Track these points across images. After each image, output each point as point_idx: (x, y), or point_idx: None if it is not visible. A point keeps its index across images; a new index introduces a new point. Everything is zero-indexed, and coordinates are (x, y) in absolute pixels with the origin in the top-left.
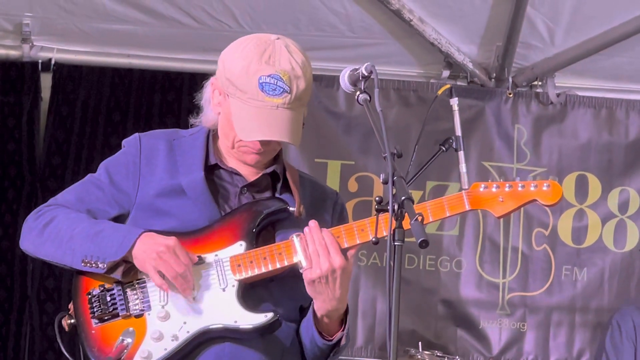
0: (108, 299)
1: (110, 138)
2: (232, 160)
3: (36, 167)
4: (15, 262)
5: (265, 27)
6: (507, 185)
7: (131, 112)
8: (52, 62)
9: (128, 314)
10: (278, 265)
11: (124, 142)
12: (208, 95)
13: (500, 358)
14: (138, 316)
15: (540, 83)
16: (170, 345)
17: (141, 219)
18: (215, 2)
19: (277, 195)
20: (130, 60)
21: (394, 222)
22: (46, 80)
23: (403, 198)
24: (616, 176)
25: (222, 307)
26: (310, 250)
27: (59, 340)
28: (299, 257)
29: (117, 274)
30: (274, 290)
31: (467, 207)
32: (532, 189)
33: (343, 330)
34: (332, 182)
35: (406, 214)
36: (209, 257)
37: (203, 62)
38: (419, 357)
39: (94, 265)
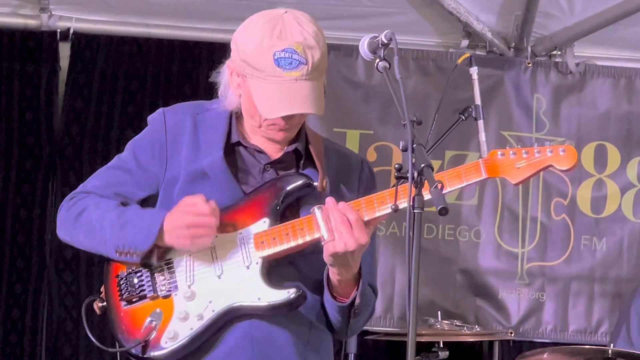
0: (135, 281)
1: (128, 107)
2: (255, 138)
3: (54, 136)
4: (33, 231)
5: None
6: (523, 151)
7: (149, 81)
8: (71, 31)
9: (155, 295)
10: (300, 241)
11: (149, 118)
12: (226, 79)
13: (519, 328)
14: (165, 297)
15: (559, 52)
16: (196, 325)
17: (168, 200)
18: None
19: (300, 171)
20: (148, 29)
21: (413, 189)
22: (64, 50)
23: (423, 165)
24: (635, 146)
25: (246, 285)
26: (332, 225)
27: (85, 324)
28: (321, 230)
29: (154, 260)
30: (301, 264)
31: (484, 175)
32: (548, 154)
33: (357, 290)
34: None
35: (426, 182)
36: (233, 235)
37: (221, 32)
38: (438, 326)
39: (127, 254)
